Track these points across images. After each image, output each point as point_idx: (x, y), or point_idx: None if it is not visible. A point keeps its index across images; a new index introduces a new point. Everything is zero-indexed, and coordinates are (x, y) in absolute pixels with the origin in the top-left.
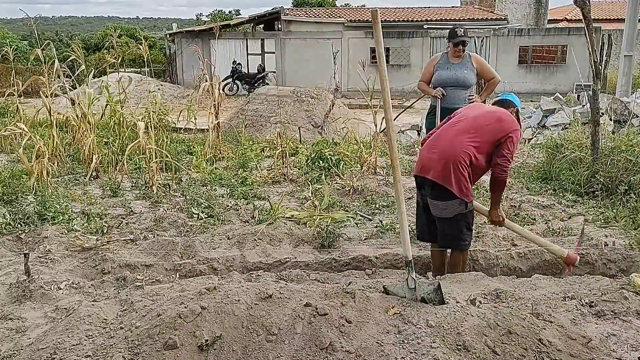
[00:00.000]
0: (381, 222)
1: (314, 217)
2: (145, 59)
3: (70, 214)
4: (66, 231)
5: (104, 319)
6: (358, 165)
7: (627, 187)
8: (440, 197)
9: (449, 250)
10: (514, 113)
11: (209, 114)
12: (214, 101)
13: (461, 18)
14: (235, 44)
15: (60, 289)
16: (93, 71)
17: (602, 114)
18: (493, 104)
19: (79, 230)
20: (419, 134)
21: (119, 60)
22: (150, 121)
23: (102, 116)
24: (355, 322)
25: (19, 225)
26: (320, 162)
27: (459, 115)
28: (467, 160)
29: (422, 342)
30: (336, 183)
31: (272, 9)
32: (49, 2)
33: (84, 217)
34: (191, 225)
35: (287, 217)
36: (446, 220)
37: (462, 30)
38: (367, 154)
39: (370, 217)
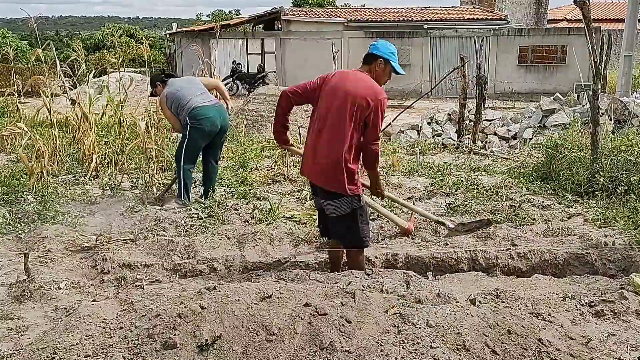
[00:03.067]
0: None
1: (314, 217)
2: (146, 59)
3: (70, 214)
4: (66, 231)
5: (104, 319)
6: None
7: (627, 187)
8: (332, 196)
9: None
10: (379, 66)
11: None
12: None
13: (461, 18)
14: (235, 44)
15: (60, 288)
16: (93, 71)
17: (602, 114)
18: (363, 61)
19: (79, 230)
20: (419, 134)
21: (120, 60)
22: (150, 121)
23: (102, 116)
24: (355, 322)
25: (19, 225)
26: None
27: (328, 100)
28: (348, 158)
29: (421, 342)
30: None
31: (272, 9)
32: (44, 2)
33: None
34: (191, 225)
35: (287, 217)
36: (341, 218)
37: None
38: None
39: (370, 217)
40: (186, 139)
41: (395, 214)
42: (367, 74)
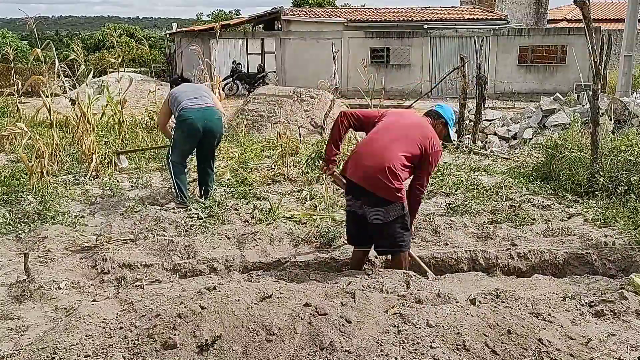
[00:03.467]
0: None
1: (314, 217)
2: (146, 59)
3: (70, 214)
4: (66, 231)
5: (104, 319)
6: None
7: (627, 187)
8: (379, 203)
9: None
10: (440, 125)
11: None
12: None
13: (461, 18)
14: (235, 44)
15: (60, 288)
16: (93, 71)
17: (602, 114)
18: (424, 114)
19: (79, 230)
20: None
21: (119, 60)
22: (150, 121)
23: (102, 116)
24: (355, 322)
25: (19, 225)
26: (320, 162)
27: (393, 119)
28: (399, 166)
29: (422, 342)
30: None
31: (272, 9)
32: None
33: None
34: (191, 225)
35: (287, 217)
36: (385, 225)
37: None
38: None
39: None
40: (172, 139)
41: None
42: (432, 126)
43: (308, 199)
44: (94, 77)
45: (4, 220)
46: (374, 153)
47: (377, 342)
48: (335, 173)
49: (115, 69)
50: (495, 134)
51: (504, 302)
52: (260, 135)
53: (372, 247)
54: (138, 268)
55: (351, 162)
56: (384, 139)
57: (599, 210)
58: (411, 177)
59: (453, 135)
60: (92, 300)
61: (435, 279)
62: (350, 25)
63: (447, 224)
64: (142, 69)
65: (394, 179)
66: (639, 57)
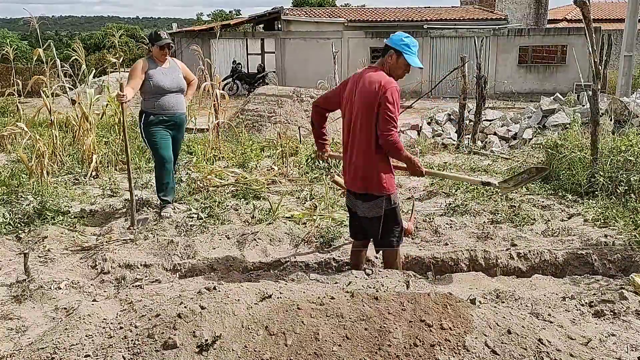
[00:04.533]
0: None
1: (314, 217)
2: None
3: (70, 214)
4: (66, 231)
5: (104, 319)
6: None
7: (627, 187)
8: (366, 198)
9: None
10: (392, 59)
11: (208, 114)
12: (214, 101)
13: (461, 18)
14: (235, 44)
15: (60, 288)
16: (93, 71)
17: (602, 114)
18: (376, 62)
19: (79, 230)
20: (419, 134)
21: (120, 60)
22: None
23: (102, 116)
24: (354, 322)
25: (19, 225)
26: (320, 162)
27: (349, 109)
28: (378, 158)
29: None
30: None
31: (272, 9)
32: (42, 2)
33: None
34: (191, 225)
35: (287, 217)
36: (374, 220)
37: (166, 32)
38: None
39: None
40: None
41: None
42: (379, 69)
43: (308, 199)
44: (94, 77)
45: (4, 220)
46: (353, 168)
47: (377, 343)
48: (329, 153)
49: (115, 68)
50: (495, 134)
51: (504, 302)
52: (260, 135)
53: (366, 244)
54: (138, 268)
55: (343, 169)
56: (354, 149)
57: (599, 210)
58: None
59: (414, 61)
60: (92, 300)
61: (436, 279)
62: (350, 25)
63: (447, 224)
64: None
65: (377, 171)
66: (639, 57)
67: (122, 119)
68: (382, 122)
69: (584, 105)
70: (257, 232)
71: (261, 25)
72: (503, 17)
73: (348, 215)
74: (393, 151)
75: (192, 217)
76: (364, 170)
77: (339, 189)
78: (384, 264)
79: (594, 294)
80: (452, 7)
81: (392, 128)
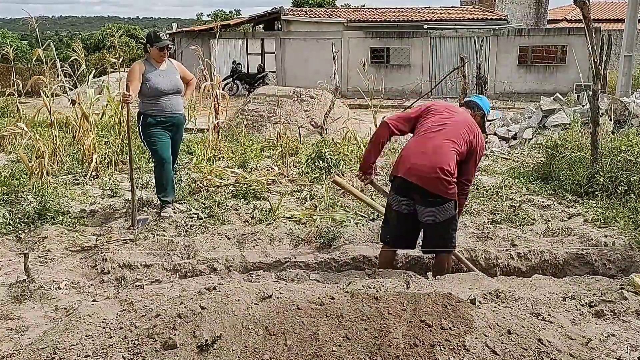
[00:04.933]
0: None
1: (314, 217)
2: None
3: (70, 214)
4: (66, 231)
5: (104, 319)
6: (358, 165)
7: (627, 187)
8: (433, 203)
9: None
10: (478, 117)
11: (208, 114)
12: (214, 101)
13: (461, 18)
14: (235, 44)
15: (60, 288)
16: (93, 71)
17: (602, 114)
18: (461, 105)
19: (79, 230)
20: None
21: (120, 60)
22: None
23: (102, 116)
24: (354, 322)
25: (19, 225)
26: (320, 162)
27: (441, 115)
28: (453, 164)
29: None
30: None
31: (272, 9)
32: (41, 2)
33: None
34: (191, 225)
35: (287, 217)
36: (438, 225)
37: (165, 33)
38: None
39: (370, 217)
40: None
41: None
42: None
43: (308, 199)
44: (94, 77)
45: (4, 220)
46: (427, 152)
47: (377, 343)
48: (373, 181)
49: (115, 69)
50: (495, 134)
51: (504, 302)
52: (260, 135)
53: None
54: (138, 268)
55: (403, 160)
56: (436, 138)
57: (599, 210)
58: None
59: (485, 128)
60: (92, 300)
61: (436, 279)
62: (350, 25)
63: None
64: None
65: (448, 178)
66: (639, 57)
67: (127, 118)
68: (472, 169)
69: (584, 105)
70: (257, 232)
71: (261, 25)
72: (503, 17)
73: (388, 221)
74: (464, 197)
75: (192, 217)
76: (436, 170)
77: (339, 189)
78: (434, 268)
79: (594, 294)
80: (452, 7)
81: (473, 179)
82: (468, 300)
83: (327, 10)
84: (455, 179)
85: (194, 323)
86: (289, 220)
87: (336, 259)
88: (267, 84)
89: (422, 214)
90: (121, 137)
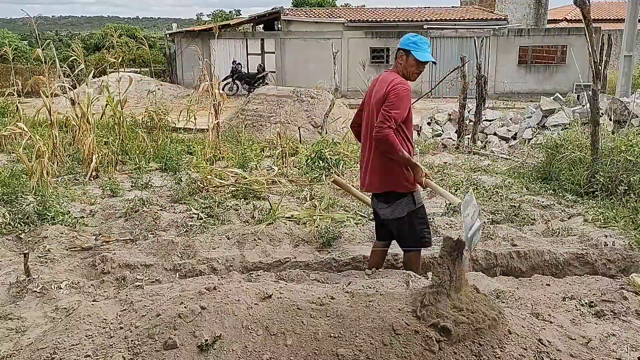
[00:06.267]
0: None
1: (314, 217)
2: (146, 59)
3: (70, 214)
4: (66, 231)
5: (104, 319)
6: (358, 165)
7: (627, 187)
8: (385, 201)
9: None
10: (402, 60)
11: (208, 114)
12: (214, 101)
13: (461, 18)
14: (235, 44)
15: (60, 288)
16: (93, 71)
17: (602, 114)
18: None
19: (79, 230)
20: (419, 134)
21: (119, 60)
22: (150, 121)
23: (102, 116)
24: (355, 322)
25: (19, 225)
26: (320, 162)
27: (366, 108)
28: (378, 173)
29: None
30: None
31: (272, 9)
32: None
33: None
34: (191, 225)
35: (287, 217)
36: (398, 221)
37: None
38: None
39: (370, 217)
40: None
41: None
42: (394, 71)
43: (308, 199)
44: (94, 77)
45: (4, 220)
46: (364, 169)
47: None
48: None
49: (115, 69)
50: (495, 134)
51: (504, 302)
52: (260, 135)
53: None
54: (138, 268)
55: (360, 174)
56: (365, 149)
57: (599, 210)
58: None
59: (424, 56)
60: (92, 300)
61: None
62: (350, 25)
63: (447, 224)
64: (142, 69)
65: (393, 171)
66: (639, 57)
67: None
68: (379, 118)
69: (584, 105)
70: (257, 232)
71: (261, 26)
72: (503, 17)
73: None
74: (386, 147)
75: (192, 217)
76: (374, 171)
77: (339, 189)
78: (404, 264)
79: (594, 294)
80: (452, 7)
81: (386, 124)
82: None
83: (327, 10)
84: (399, 167)
85: (194, 323)
86: (289, 220)
87: (336, 259)
88: (267, 84)
89: (380, 213)
90: (121, 138)
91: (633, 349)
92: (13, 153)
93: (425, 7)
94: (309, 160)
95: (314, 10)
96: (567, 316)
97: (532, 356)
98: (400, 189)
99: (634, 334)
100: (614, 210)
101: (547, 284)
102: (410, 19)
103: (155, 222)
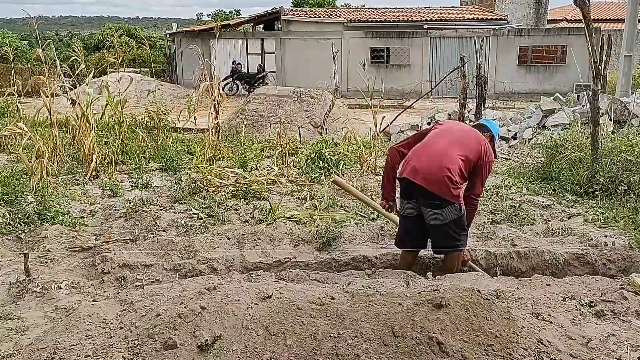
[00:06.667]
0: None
1: (314, 217)
2: (146, 59)
3: (70, 214)
4: (66, 231)
5: (104, 319)
6: (358, 165)
7: (627, 187)
8: (436, 205)
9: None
10: (488, 138)
11: (209, 114)
12: (214, 101)
13: (461, 18)
14: (235, 44)
15: (60, 288)
16: (93, 71)
17: (602, 114)
18: (473, 126)
19: (79, 230)
20: None
21: (119, 60)
22: (150, 121)
23: (102, 116)
24: (355, 322)
25: (19, 225)
26: (320, 162)
27: (449, 128)
28: (457, 169)
29: None
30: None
31: (272, 9)
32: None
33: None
34: (191, 225)
35: (287, 217)
36: (443, 226)
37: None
38: (367, 154)
39: (370, 217)
40: None
41: None
42: (485, 136)
43: (308, 199)
44: (94, 77)
45: (4, 220)
46: (432, 154)
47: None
48: (394, 209)
49: (115, 69)
50: None
51: (504, 302)
52: (260, 135)
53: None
54: (138, 268)
55: (409, 162)
56: (442, 142)
57: (599, 210)
58: (465, 184)
59: (497, 151)
60: (92, 300)
61: (436, 278)
62: (350, 25)
63: None
64: (142, 69)
65: (453, 181)
66: (639, 57)
67: None
68: (478, 184)
69: (584, 105)
70: (257, 232)
71: (261, 25)
72: (503, 17)
73: (404, 226)
74: (471, 211)
75: (192, 217)
76: (441, 173)
77: (339, 189)
78: (442, 267)
79: (594, 294)
80: (452, 7)
81: (481, 194)
82: None
83: (327, 10)
84: (461, 185)
85: (194, 323)
86: (289, 220)
87: (336, 259)
88: (267, 84)
89: (426, 215)
90: (121, 137)
91: (633, 349)
92: (13, 153)
93: (425, 7)
94: (309, 160)
95: (314, 10)
96: (567, 316)
97: (532, 356)
98: (456, 201)
99: (634, 334)
100: (614, 210)
101: (547, 284)
102: (410, 19)
103: (155, 222)
